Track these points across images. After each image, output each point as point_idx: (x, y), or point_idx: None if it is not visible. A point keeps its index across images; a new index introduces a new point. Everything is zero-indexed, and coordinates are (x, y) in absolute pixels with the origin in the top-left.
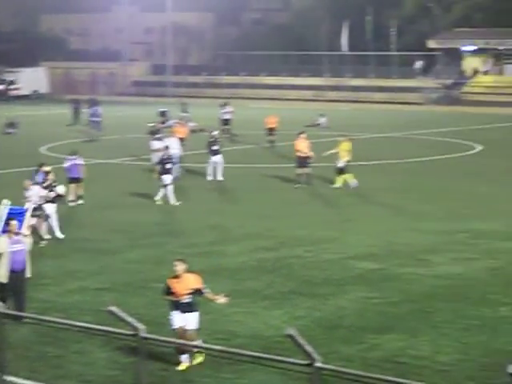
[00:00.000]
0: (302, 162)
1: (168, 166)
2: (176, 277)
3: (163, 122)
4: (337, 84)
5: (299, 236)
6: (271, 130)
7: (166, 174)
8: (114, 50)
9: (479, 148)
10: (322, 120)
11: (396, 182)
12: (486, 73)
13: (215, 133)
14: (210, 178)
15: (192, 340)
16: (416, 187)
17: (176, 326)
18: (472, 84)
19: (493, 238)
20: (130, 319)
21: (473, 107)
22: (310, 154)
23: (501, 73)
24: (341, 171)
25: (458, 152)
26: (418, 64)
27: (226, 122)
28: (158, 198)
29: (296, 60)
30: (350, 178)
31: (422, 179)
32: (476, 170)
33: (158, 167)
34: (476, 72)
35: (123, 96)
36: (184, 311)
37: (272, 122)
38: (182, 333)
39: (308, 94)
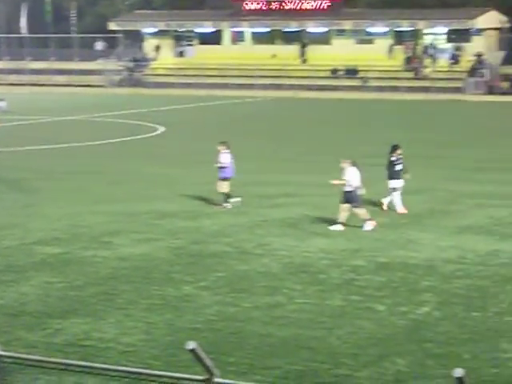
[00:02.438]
0: None
1: None
2: None
3: None
4: (16, 67)
5: None
6: None
7: None
8: None
9: (161, 130)
10: (2, 104)
11: (81, 165)
12: (166, 55)
13: None
14: None
15: None
16: (100, 169)
17: None
18: (154, 66)
19: (175, 218)
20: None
21: (155, 89)
22: None
23: (181, 55)
24: None
25: (141, 134)
26: (99, 46)
27: None
28: None
29: None
30: None
31: (105, 161)
32: (158, 152)
33: None
34: (157, 53)
35: None
36: None
37: None
38: None
39: None
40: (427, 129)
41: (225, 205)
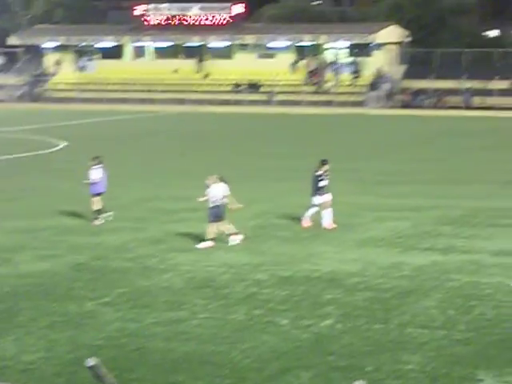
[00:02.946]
0: None
1: None
2: None
3: None
4: None
5: None
6: None
7: None
8: None
9: (62, 145)
10: None
11: None
12: (67, 69)
13: None
14: None
15: None
16: (2, 186)
17: None
18: (54, 81)
19: (76, 234)
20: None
21: (55, 104)
22: None
23: (82, 69)
24: None
25: (41, 149)
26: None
27: None
28: None
29: None
30: None
31: (5, 177)
32: (58, 167)
33: None
34: (58, 68)
35: None
36: None
37: None
38: None
39: None
40: (328, 142)
41: (96, 222)
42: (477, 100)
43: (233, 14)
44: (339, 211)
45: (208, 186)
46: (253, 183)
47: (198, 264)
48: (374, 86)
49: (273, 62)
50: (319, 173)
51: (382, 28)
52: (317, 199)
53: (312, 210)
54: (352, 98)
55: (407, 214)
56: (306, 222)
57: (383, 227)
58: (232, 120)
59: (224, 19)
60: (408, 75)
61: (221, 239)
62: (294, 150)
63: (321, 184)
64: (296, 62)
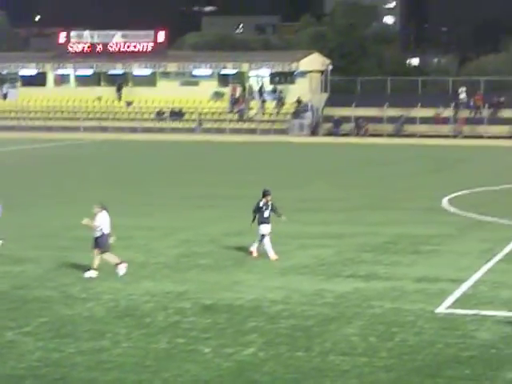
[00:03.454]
0: None
1: None
2: None
3: None
4: None
5: None
6: None
7: None
8: None
9: None
10: None
11: None
12: None
13: None
14: None
15: None
16: None
17: None
18: None
19: None
20: None
21: None
22: None
23: (4, 97)
24: None
25: None
26: None
27: None
28: None
29: None
30: None
31: None
32: None
33: None
34: None
35: None
36: None
37: None
38: None
39: None
40: (252, 171)
41: None
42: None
43: (156, 42)
44: None
45: (96, 214)
46: (175, 211)
47: (120, 293)
48: (296, 114)
49: (196, 90)
50: (261, 204)
51: (304, 56)
52: (265, 228)
53: (268, 241)
54: (276, 126)
55: (330, 242)
56: (273, 255)
57: (306, 255)
58: (155, 148)
59: (147, 47)
60: (331, 103)
61: (148, 266)
62: (216, 178)
63: (265, 214)
64: (219, 90)
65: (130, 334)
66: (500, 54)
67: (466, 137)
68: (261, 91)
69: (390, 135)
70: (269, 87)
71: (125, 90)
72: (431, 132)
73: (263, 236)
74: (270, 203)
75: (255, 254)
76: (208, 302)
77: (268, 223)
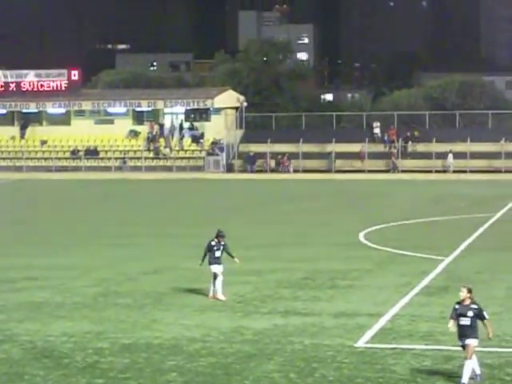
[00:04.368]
0: None
1: None
2: None
3: None
4: None
5: None
6: None
7: None
8: None
9: None
10: None
11: None
12: None
13: None
14: None
15: None
16: None
17: None
18: None
19: None
20: None
21: None
22: None
23: None
24: None
25: None
26: None
27: None
28: None
29: None
30: None
31: None
32: None
33: None
34: None
35: None
36: None
37: None
38: None
39: None
40: (167, 208)
41: None
42: (313, 163)
43: (69, 80)
44: (181, 276)
45: None
46: (92, 250)
47: (38, 334)
48: (211, 150)
49: (111, 128)
50: (213, 243)
51: (219, 93)
52: (216, 268)
53: (219, 281)
54: (191, 163)
55: (249, 278)
56: (221, 295)
57: (225, 291)
58: (69, 186)
59: (60, 85)
60: (246, 139)
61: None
62: (132, 216)
63: (216, 254)
64: (134, 129)
65: (48, 376)
66: (412, 89)
67: (380, 171)
68: (181, 128)
69: (305, 171)
70: (184, 124)
71: (39, 129)
72: (346, 167)
73: (216, 275)
74: (222, 243)
75: (211, 294)
76: (127, 341)
77: (219, 264)
